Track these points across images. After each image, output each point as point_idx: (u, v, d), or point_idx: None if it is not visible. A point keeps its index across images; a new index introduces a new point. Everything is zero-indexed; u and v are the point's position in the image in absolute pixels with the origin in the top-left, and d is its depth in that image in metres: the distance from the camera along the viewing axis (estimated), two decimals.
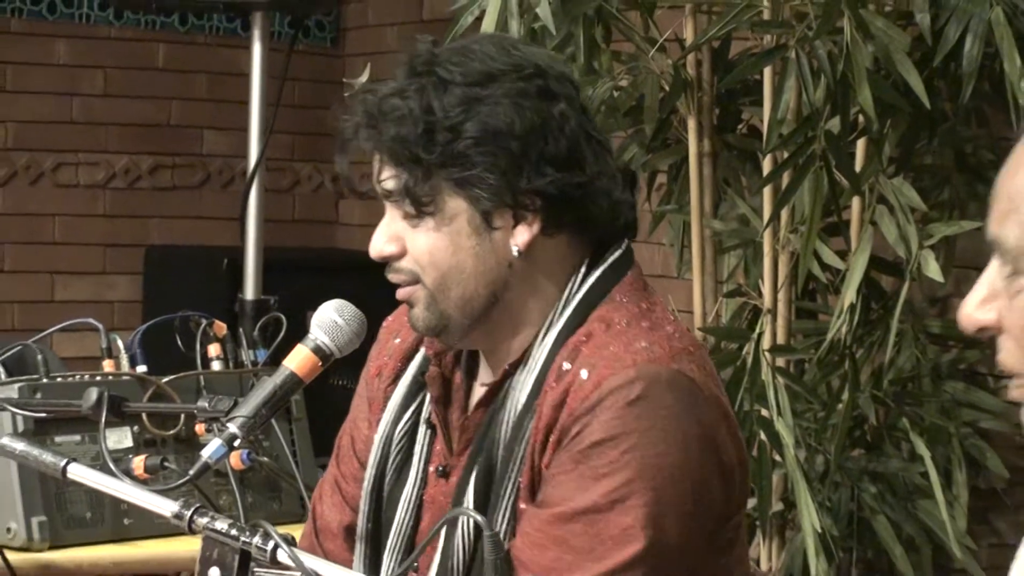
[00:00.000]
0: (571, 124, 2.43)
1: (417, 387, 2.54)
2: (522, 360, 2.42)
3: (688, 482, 2.33)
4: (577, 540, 2.31)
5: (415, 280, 2.40)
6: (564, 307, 2.43)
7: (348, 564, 2.54)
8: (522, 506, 2.36)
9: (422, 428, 2.51)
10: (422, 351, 2.54)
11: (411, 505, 2.49)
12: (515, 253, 2.40)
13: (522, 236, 2.39)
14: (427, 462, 2.51)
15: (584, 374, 2.34)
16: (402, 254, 2.40)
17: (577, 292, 2.43)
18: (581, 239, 2.45)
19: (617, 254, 2.46)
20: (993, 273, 1.59)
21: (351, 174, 2.56)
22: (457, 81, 2.38)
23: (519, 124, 2.38)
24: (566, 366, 2.36)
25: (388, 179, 2.37)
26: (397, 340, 2.59)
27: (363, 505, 2.55)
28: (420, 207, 2.36)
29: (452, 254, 2.38)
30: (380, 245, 2.41)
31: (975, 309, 1.59)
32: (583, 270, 2.44)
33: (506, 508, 2.37)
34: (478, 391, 2.49)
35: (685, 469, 2.33)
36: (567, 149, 2.41)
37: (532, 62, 2.43)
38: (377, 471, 2.54)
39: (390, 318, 2.62)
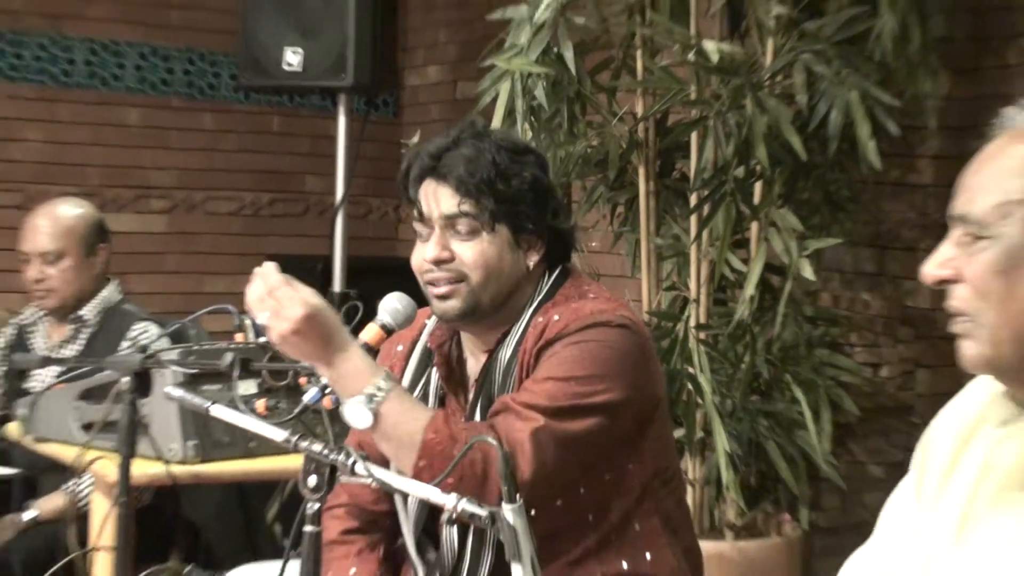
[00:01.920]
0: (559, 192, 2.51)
1: (419, 373, 2.47)
2: (508, 333, 2.39)
3: (631, 372, 2.33)
4: (547, 388, 2.26)
5: (460, 279, 2.33)
6: (535, 296, 2.41)
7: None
8: None
9: (432, 399, 2.45)
10: (417, 351, 2.49)
11: None
12: (528, 268, 2.39)
13: (533, 258, 2.39)
14: None
15: (556, 316, 2.33)
16: (452, 259, 2.33)
17: (544, 287, 2.42)
18: (550, 260, 2.45)
19: (563, 264, 2.47)
20: (952, 241, 1.57)
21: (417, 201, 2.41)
22: (507, 148, 2.36)
23: (544, 183, 2.41)
24: (540, 319, 2.35)
25: (463, 203, 2.32)
26: (400, 348, 2.50)
27: None
28: (492, 225, 2.33)
29: (498, 261, 2.34)
30: (437, 252, 2.33)
31: (935, 268, 1.58)
32: (546, 275, 2.43)
33: None
34: (474, 364, 2.44)
35: (629, 364, 2.33)
36: (560, 206, 2.47)
37: (538, 151, 2.49)
38: None
39: (388, 342, 2.42)
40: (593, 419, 2.28)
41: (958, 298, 1.57)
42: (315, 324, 2.19)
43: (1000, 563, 1.52)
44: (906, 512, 1.77)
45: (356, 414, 2.18)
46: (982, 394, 1.69)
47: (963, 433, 1.68)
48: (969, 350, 1.57)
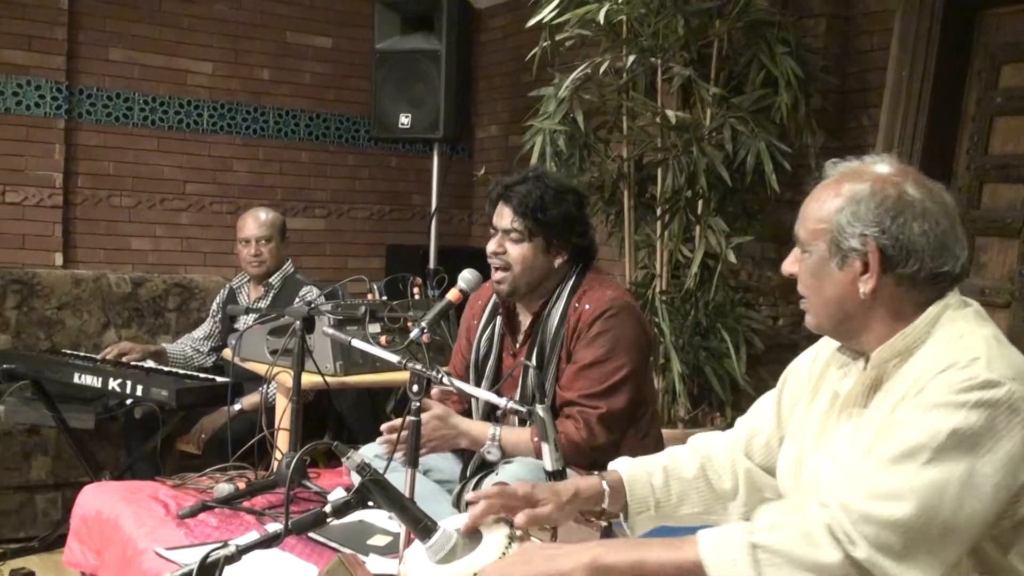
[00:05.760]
0: (588, 219, 2.47)
1: (490, 318, 2.51)
2: (547, 304, 2.41)
3: (636, 343, 2.35)
4: (592, 375, 2.31)
5: (507, 268, 2.38)
6: (566, 282, 2.41)
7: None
8: (563, 365, 2.36)
9: (496, 338, 2.48)
10: (490, 305, 2.52)
11: (491, 370, 2.47)
12: (554, 266, 2.40)
13: (558, 261, 2.41)
14: (501, 350, 2.48)
15: (587, 306, 2.35)
16: (504, 253, 2.38)
17: (573, 276, 2.42)
18: (578, 260, 2.45)
19: (587, 263, 2.46)
20: (796, 251, 1.62)
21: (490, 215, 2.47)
22: (553, 188, 2.39)
23: (575, 214, 2.41)
24: (576, 304, 2.36)
25: (515, 221, 2.36)
26: (480, 302, 2.56)
27: (472, 369, 2.51)
28: (529, 236, 2.36)
29: (532, 260, 2.38)
30: (495, 247, 2.39)
31: (788, 265, 1.63)
32: (574, 269, 2.44)
33: (555, 367, 2.36)
34: (524, 319, 2.47)
35: (634, 337, 2.35)
36: (586, 229, 2.44)
37: (579, 191, 2.47)
38: (476, 355, 2.52)
39: (473, 296, 2.54)
40: (623, 389, 2.32)
41: (800, 285, 1.62)
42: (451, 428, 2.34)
43: (841, 454, 1.54)
44: (765, 409, 1.80)
45: (491, 453, 2.27)
46: (826, 348, 1.72)
47: (816, 372, 1.71)
48: (807, 318, 1.62)
